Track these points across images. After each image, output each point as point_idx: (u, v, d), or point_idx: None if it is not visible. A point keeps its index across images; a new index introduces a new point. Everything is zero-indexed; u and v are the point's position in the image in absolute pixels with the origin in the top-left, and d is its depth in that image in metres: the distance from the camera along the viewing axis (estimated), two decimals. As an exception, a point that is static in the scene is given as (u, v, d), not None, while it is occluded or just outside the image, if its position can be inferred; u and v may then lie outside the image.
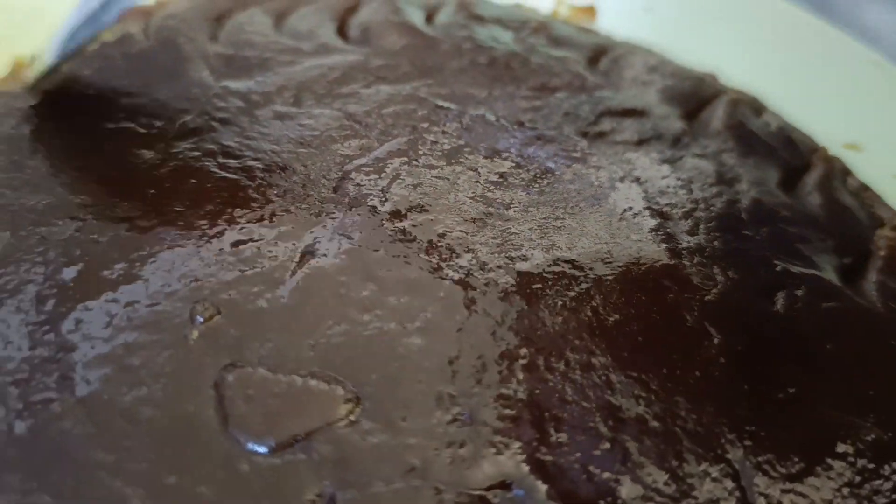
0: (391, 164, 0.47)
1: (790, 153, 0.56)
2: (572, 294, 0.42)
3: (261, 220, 0.42)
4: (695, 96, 0.59)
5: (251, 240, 0.42)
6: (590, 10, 0.66)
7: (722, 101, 0.58)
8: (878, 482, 0.38)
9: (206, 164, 0.45)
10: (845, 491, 0.37)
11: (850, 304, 0.46)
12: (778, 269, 0.46)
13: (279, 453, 0.35)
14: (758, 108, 0.59)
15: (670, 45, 0.64)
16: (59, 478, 0.33)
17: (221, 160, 0.45)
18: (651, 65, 0.61)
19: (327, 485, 0.34)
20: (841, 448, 0.39)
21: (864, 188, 0.54)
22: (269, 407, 0.35)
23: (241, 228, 0.42)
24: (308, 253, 0.41)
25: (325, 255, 0.42)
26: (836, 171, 0.54)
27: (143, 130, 0.47)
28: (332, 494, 0.33)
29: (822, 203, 0.52)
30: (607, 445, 0.36)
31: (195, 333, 0.38)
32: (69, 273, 0.39)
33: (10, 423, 0.34)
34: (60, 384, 0.35)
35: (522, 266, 0.43)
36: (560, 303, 0.41)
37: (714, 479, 0.36)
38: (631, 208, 0.47)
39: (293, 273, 0.40)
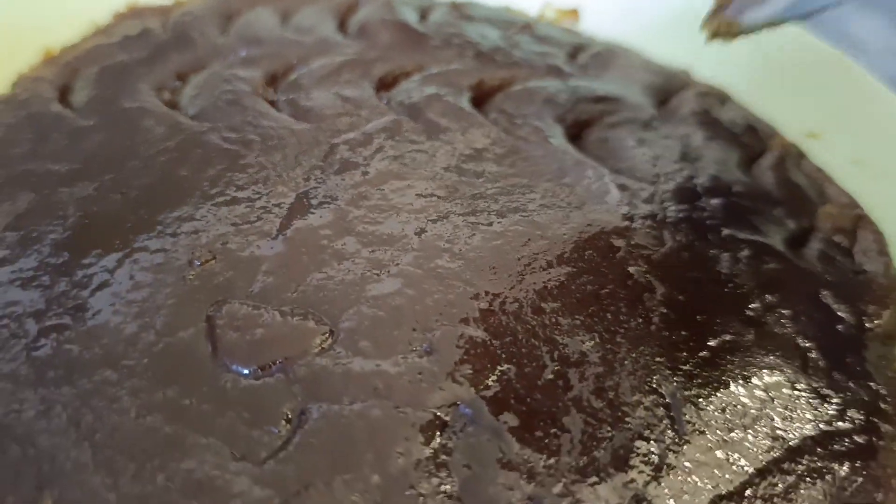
0: (377, 138, 0.52)
1: (751, 139, 0.60)
2: (529, 250, 0.47)
3: (255, 182, 0.48)
4: (666, 87, 0.64)
5: (247, 198, 0.47)
6: (573, 13, 0.71)
7: (691, 92, 0.63)
8: (795, 414, 0.42)
9: (211, 137, 0.51)
10: (765, 421, 0.42)
11: (789, 265, 0.50)
12: (725, 234, 0.50)
13: (259, 375, 0.40)
14: (724, 99, 0.63)
15: (648, 45, 0.69)
16: (69, 392, 0.39)
17: (224, 134, 0.51)
18: (627, 60, 0.66)
19: (300, 401, 0.39)
20: (765, 385, 0.43)
21: (817, 170, 0.58)
22: (252, 336, 0.41)
23: (238, 189, 0.48)
24: (296, 210, 0.47)
25: (311, 212, 0.47)
26: (792, 155, 0.59)
27: (156, 109, 0.53)
28: (303, 409, 0.38)
29: (776, 181, 0.57)
30: (550, 376, 0.41)
31: (192, 274, 0.43)
32: (85, 224, 0.45)
33: (27, 347, 0.40)
34: (73, 315, 0.41)
35: (487, 226, 0.48)
36: (518, 257, 0.46)
37: (647, 408, 0.41)
38: (595, 181, 0.52)
39: (281, 227, 0.46)
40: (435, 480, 0.37)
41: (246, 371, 0.40)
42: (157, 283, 0.43)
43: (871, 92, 0.60)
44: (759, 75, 0.65)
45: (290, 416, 0.38)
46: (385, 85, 0.58)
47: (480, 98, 0.58)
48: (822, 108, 0.62)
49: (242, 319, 0.41)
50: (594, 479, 0.38)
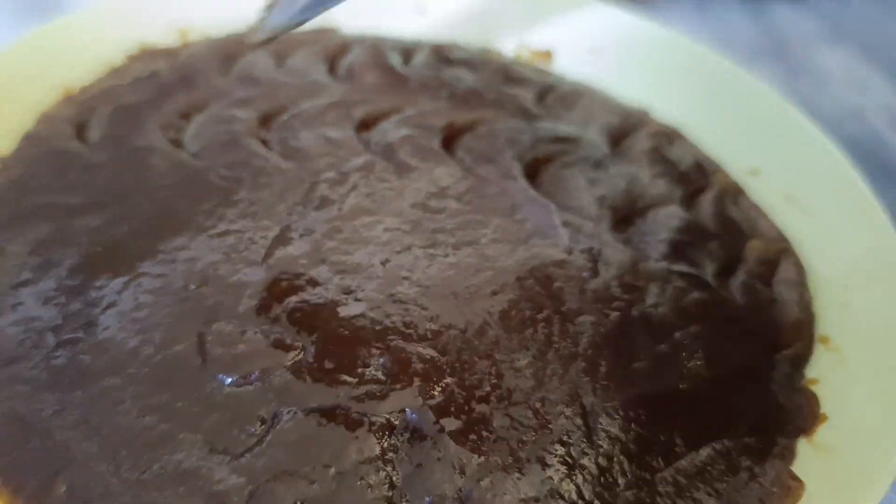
0: (352, 177, 0.60)
1: (696, 175, 0.67)
2: (478, 279, 0.54)
3: (244, 216, 0.56)
4: (623, 127, 0.71)
5: (237, 231, 0.55)
6: (547, 54, 0.78)
7: (643, 131, 0.70)
8: (699, 427, 0.49)
9: (208, 174, 0.59)
10: (671, 432, 0.49)
11: (714, 296, 0.57)
12: (658, 266, 0.58)
13: (241, 383, 0.47)
14: (675, 137, 0.70)
15: (612, 84, 0.76)
16: (81, 395, 0.46)
17: (220, 172, 0.59)
18: (591, 100, 0.73)
19: (273, 406, 0.46)
20: (675, 402, 0.50)
21: (752, 206, 0.65)
22: (236, 350, 0.48)
23: (229, 222, 0.55)
24: (279, 242, 0.55)
25: (292, 244, 0.55)
26: (731, 191, 0.66)
27: (162, 147, 0.60)
28: (276, 412, 0.46)
29: (713, 216, 0.64)
30: (488, 388, 0.49)
31: (187, 296, 0.51)
32: (96, 252, 0.53)
33: (47, 356, 0.48)
34: (86, 330, 0.49)
35: (443, 257, 0.55)
36: (467, 285, 0.54)
37: (567, 417, 0.48)
38: (543, 217, 0.60)
39: (265, 256, 0.54)
40: (382, 473, 0.44)
41: (229, 380, 0.47)
42: (157, 303, 0.50)
43: (804, 132, 0.67)
44: (711, 114, 0.72)
45: (264, 418, 0.46)
46: (365, 126, 0.65)
47: (450, 138, 0.65)
48: (762, 146, 0.69)
49: (228, 336, 0.49)
50: (517, 474, 0.45)
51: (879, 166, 0.82)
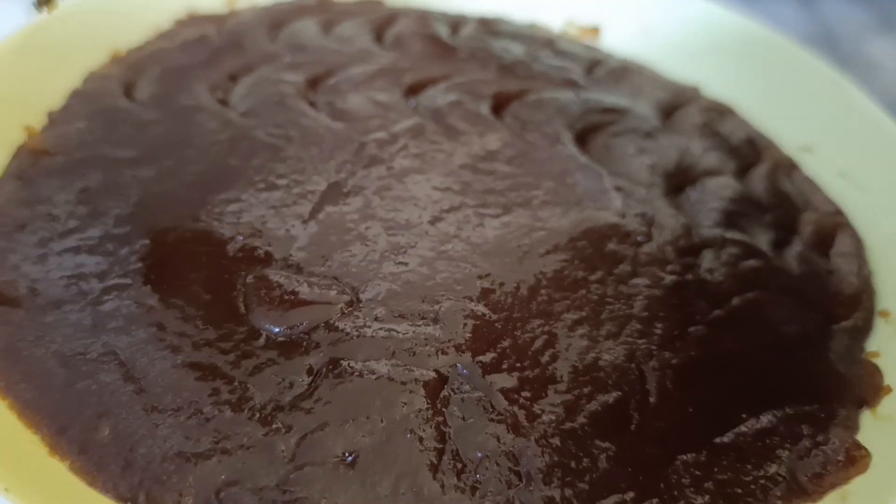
0: (402, 138, 0.59)
1: (747, 150, 0.66)
2: (530, 239, 0.53)
3: (293, 172, 0.55)
4: (673, 102, 0.69)
5: (285, 186, 0.54)
6: (594, 31, 0.77)
7: (695, 106, 0.69)
8: (759, 393, 0.48)
9: (257, 132, 0.58)
10: (730, 396, 0.47)
11: (770, 265, 0.55)
12: (712, 233, 0.56)
13: (289, 334, 0.46)
14: (726, 113, 0.69)
15: (663, 63, 0.75)
16: (126, 340, 0.45)
17: (269, 130, 0.58)
18: (640, 76, 0.72)
19: (322, 357, 0.45)
20: (732, 366, 0.49)
21: (806, 180, 0.64)
22: (284, 301, 0.47)
23: (278, 177, 0.55)
24: (328, 198, 0.54)
25: (341, 200, 0.54)
26: (784, 166, 0.64)
27: (210, 106, 0.60)
28: (324, 363, 0.45)
29: (766, 189, 0.62)
30: (540, 346, 0.47)
31: (235, 248, 0.50)
32: (145, 202, 0.52)
33: (92, 302, 0.47)
34: (132, 276, 0.48)
35: (494, 217, 0.54)
36: (519, 244, 0.52)
37: (621, 377, 0.47)
38: (594, 181, 0.58)
39: (314, 211, 0.53)
40: (432, 427, 0.43)
41: (277, 329, 0.46)
42: (204, 253, 0.49)
43: (860, 110, 0.65)
44: (763, 92, 0.71)
45: (312, 369, 0.45)
46: (413, 91, 0.64)
47: (498, 106, 0.64)
48: (816, 123, 0.67)
49: (277, 286, 0.48)
50: (571, 434, 0.44)
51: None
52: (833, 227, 0.59)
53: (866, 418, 0.48)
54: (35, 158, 0.54)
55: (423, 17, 0.74)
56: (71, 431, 0.42)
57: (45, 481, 0.39)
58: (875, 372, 0.51)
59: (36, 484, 0.38)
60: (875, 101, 0.66)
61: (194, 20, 0.70)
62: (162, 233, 0.51)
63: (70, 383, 0.43)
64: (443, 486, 0.41)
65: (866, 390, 0.50)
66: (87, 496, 0.39)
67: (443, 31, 0.73)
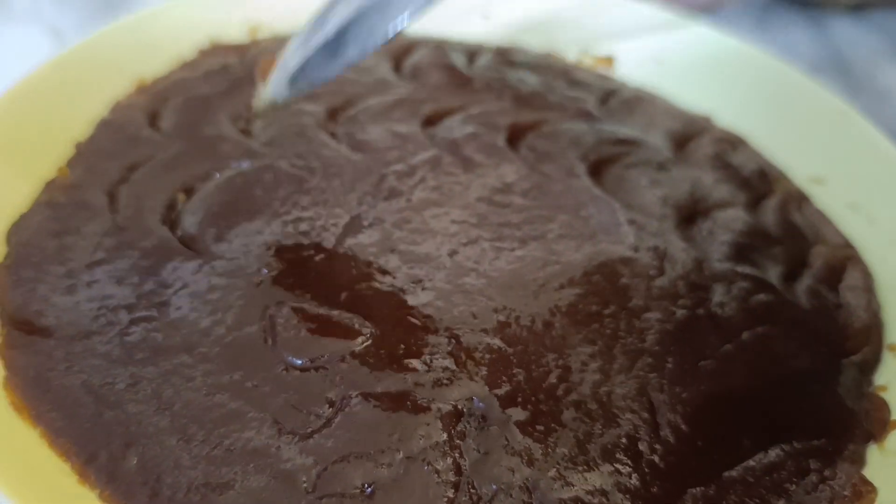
0: (420, 170, 0.61)
1: (759, 182, 0.67)
2: (545, 273, 0.54)
3: (317, 204, 0.57)
4: (686, 132, 0.71)
5: (309, 218, 0.56)
6: (608, 60, 0.78)
7: (707, 137, 0.70)
8: (766, 429, 0.49)
9: (280, 163, 0.60)
10: (737, 432, 0.48)
11: (779, 299, 0.56)
12: (723, 267, 0.57)
13: (309, 366, 0.48)
14: (738, 144, 0.70)
15: (675, 92, 0.76)
16: (153, 371, 0.47)
17: (292, 161, 0.60)
18: (653, 106, 0.73)
19: (342, 389, 0.47)
20: (740, 401, 0.50)
21: (817, 212, 0.65)
22: (306, 333, 0.49)
23: (303, 209, 0.56)
24: (350, 229, 0.55)
25: (362, 232, 0.55)
26: (794, 198, 0.65)
27: (232, 136, 0.62)
28: (344, 395, 0.46)
29: (777, 222, 0.63)
30: (554, 381, 0.49)
31: (260, 280, 0.51)
32: (170, 234, 0.53)
33: (120, 332, 0.48)
34: (158, 309, 0.50)
35: (510, 251, 0.55)
36: (534, 278, 0.54)
37: (634, 412, 0.48)
38: (608, 215, 0.60)
39: (337, 243, 0.54)
40: (449, 459, 0.44)
41: (299, 361, 0.47)
42: (230, 286, 0.51)
43: (871, 141, 0.66)
44: (775, 123, 0.72)
45: (333, 400, 0.46)
46: (431, 122, 0.66)
47: (514, 137, 0.66)
48: (826, 154, 0.68)
49: (299, 318, 0.49)
50: (584, 467, 0.45)
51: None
52: (843, 261, 0.60)
53: (873, 453, 0.49)
54: (64, 191, 0.56)
55: (440, 47, 0.75)
56: (99, 461, 0.43)
57: (75, 510, 0.41)
58: (883, 406, 0.52)
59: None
60: (885, 131, 0.67)
61: (217, 50, 0.71)
62: (188, 265, 0.52)
63: (98, 413, 0.45)
64: (458, 519, 0.42)
65: (874, 424, 0.51)
66: (116, 525, 0.41)
67: (459, 61, 0.74)
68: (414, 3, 0.50)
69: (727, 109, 0.74)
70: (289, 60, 0.54)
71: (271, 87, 0.54)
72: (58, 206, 0.55)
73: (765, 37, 1.06)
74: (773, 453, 0.48)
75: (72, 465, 0.43)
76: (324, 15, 0.54)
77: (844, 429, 0.50)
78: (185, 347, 0.48)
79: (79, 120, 0.61)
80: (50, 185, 0.56)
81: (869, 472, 0.48)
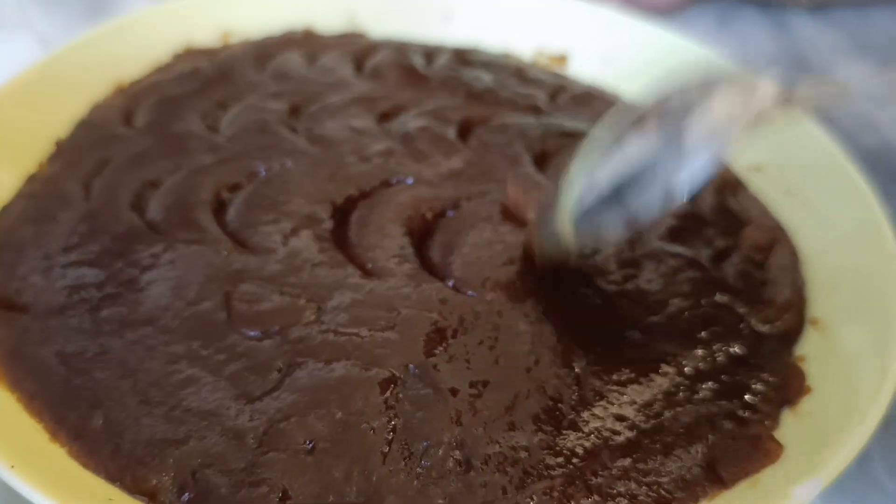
0: (375, 159, 0.65)
1: (697, 171, 0.71)
2: (488, 251, 0.59)
3: (277, 192, 0.62)
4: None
5: (269, 206, 0.61)
6: (562, 59, 0.83)
7: (650, 129, 0.74)
8: (679, 400, 0.53)
9: (247, 153, 0.64)
10: (657, 395, 0.53)
11: (707, 276, 0.61)
12: (654, 246, 0.62)
13: (262, 337, 0.52)
14: (679, 135, 0.74)
15: (625, 88, 0.81)
16: (119, 342, 0.52)
17: (253, 153, 0.65)
18: (601, 102, 0.78)
19: (289, 357, 0.51)
20: (663, 370, 0.54)
21: (752, 198, 0.69)
22: (259, 308, 0.53)
23: (262, 196, 0.61)
24: (306, 218, 0.60)
25: (316, 220, 0.60)
26: (730, 184, 0.70)
27: (199, 132, 0.67)
28: (291, 363, 0.51)
29: (711, 206, 0.67)
30: (487, 350, 0.53)
31: (218, 261, 0.56)
32: (138, 221, 0.58)
33: (91, 308, 0.53)
34: (126, 287, 0.55)
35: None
36: (477, 257, 0.58)
37: (560, 378, 0.52)
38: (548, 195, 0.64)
39: (292, 231, 0.59)
40: (384, 418, 0.48)
41: (252, 333, 0.52)
42: (191, 266, 0.56)
43: (805, 131, 0.70)
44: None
45: (281, 368, 0.50)
46: (386, 117, 0.71)
47: (464, 130, 0.70)
48: (766, 145, 0.72)
49: (252, 295, 0.54)
50: (509, 426, 0.49)
51: (892, 175, 0.84)
52: (771, 241, 0.64)
53: (787, 416, 0.53)
54: (43, 183, 0.61)
55: (401, 49, 0.80)
56: (68, 421, 0.48)
57: (46, 463, 0.45)
58: (800, 374, 0.56)
59: (38, 464, 0.44)
60: (841, 125, 0.70)
61: (190, 53, 0.76)
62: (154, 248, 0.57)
63: (69, 379, 0.49)
64: (391, 471, 0.47)
65: (790, 391, 0.55)
66: (82, 476, 0.45)
67: (418, 61, 0.79)
68: (706, 163, 0.49)
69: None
70: (564, 198, 0.53)
71: (550, 225, 0.54)
72: (37, 196, 0.60)
73: (725, 35, 1.10)
74: (692, 415, 0.51)
75: (44, 426, 0.47)
76: (603, 150, 0.52)
77: (762, 394, 0.54)
78: (148, 321, 0.52)
79: (61, 120, 0.67)
80: (31, 179, 0.61)
81: (779, 433, 0.52)
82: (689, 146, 0.49)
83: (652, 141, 0.50)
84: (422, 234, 0.60)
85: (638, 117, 0.52)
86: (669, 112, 0.50)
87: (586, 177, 0.52)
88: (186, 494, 0.45)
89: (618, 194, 0.50)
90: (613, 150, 0.51)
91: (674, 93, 0.51)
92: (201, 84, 0.72)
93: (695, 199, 0.67)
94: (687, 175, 0.49)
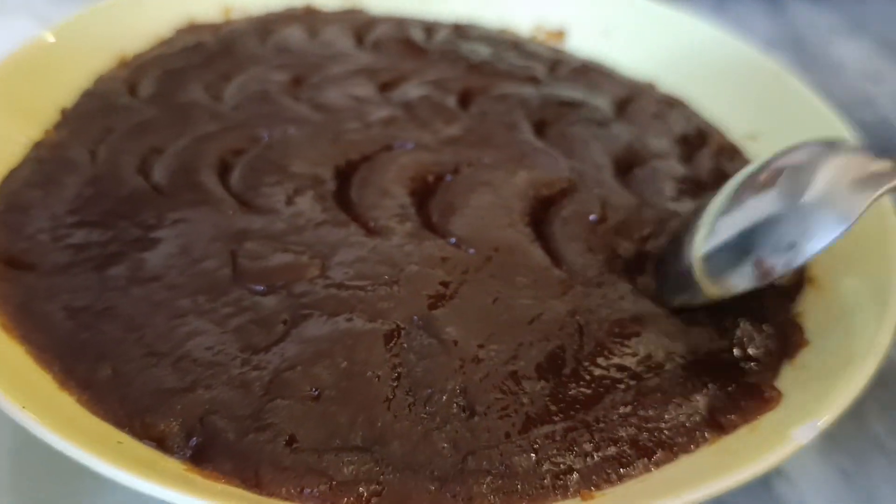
0: (376, 126, 0.66)
1: (695, 138, 0.72)
2: (492, 211, 0.59)
3: (279, 156, 0.62)
4: (628, 96, 0.76)
5: (273, 170, 0.61)
6: (560, 34, 0.84)
7: (648, 98, 0.75)
8: (680, 350, 0.54)
9: (250, 120, 0.65)
10: (660, 345, 0.53)
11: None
12: (662, 208, 0.62)
13: (267, 292, 0.53)
14: (677, 105, 0.75)
15: (623, 62, 0.82)
16: (126, 298, 0.52)
17: (257, 121, 0.66)
18: (599, 74, 0.79)
19: (294, 310, 0.52)
20: (664, 325, 0.55)
21: (747, 163, 0.70)
22: (264, 264, 0.54)
23: (266, 162, 0.62)
24: (308, 179, 0.61)
25: (319, 181, 0.61)
26: (726, 150, 0.71)
27: (203, 102, 0.68)
28: (296, 315, 0.52)
29: (709, 170, 0.68)
30: (490, 303, 0.54)
31: (224, 221, 0.57)
32: (144, 185, 0.59)
33: (99, 266, 0.54)
34: (132, 246, 0.55)
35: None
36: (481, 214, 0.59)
37: (562, 329, 0.53)
38: (548, 162, 0.65)
39: (295, 192, 0.60)
40: (388, 367, 0.49)
41: (257, 288, 0.53)
42: (196, 226, 0.56)
43: (800, 97, 0.71)
44: (715, 87, 0.77)
45: (286, 320, 0.51)
46: (387, 87, 0.72)
47: (464, 99, 0.71)
48: (761, 114, 0.74)
49: (257, 253, 0.55)
50: (511, 374, 0.50)
51: (886, 150, 0.85)
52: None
53: (785, 367, 0.54)
54: (49, 149, 0.62)
55: (401, 23, 0.81)
56: (77, 372, 0.48)
57: (56, 409, 0.46)
58: (798, 329, 0.57)
59: (49, 409, 0.45)
60: (836, 101, 0.71)
61: (193, 28, 0.77)
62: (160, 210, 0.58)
63: (76, 333, 0.50)
64: (395, 417, 0.47)
65: (789, 345, 0.55)
66: (91, 421, 0.46)
67: (418, 35, 0.80)
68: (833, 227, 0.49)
69: (670, 76, 0.79)
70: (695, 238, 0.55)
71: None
72: (43, 161, 0.60)
73: (722, 17, 1.11)
74: (694, 365, 0.52)
75: (53, 377, 0.48)
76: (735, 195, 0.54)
77: (762, 346, 0.55)
78: (154, 277, 0.53)
79: (66, 90, 0.67)
80: (37, 145, 0.62)
81: (779, 383, 0.53)
82: (809, 202, 0.50)
83: (772, 195, 0.52)
84: (423, 196, 0.60)
85: (757, 170, 0.54)
86: (790, 168, 0.52)
87: (713, 220, 0.54)
88: (194, 439, 0.45)
89: (745, 243, 0.52)
90: (734, 200, 0.54)
91: (795, 150, 0.53)
92: (205, 57, 0.73)
93: (692, 165, 0.68)
94: (811, 231, 0.50)
